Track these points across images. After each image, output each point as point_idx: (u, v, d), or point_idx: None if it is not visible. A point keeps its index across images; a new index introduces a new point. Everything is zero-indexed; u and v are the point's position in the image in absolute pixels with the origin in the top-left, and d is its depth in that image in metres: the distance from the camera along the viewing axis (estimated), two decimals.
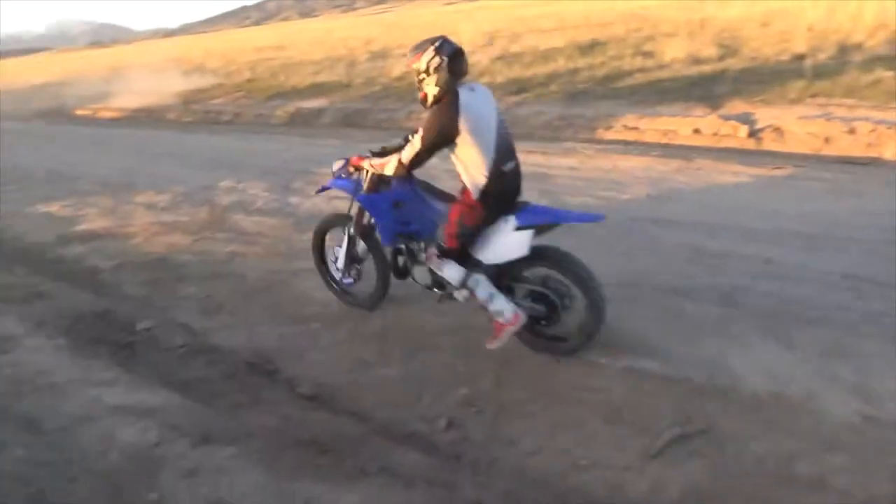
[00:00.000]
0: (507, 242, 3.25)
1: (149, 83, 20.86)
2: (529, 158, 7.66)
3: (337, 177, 3.89)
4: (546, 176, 6.90)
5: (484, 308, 3.43)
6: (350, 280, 4.29)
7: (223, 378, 3.74)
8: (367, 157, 3.68)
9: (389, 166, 3.41)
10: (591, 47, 13.95)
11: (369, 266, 4.19)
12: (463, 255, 3.42)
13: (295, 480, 2.65)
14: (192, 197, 7.49)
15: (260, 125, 13.24)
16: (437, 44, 3.12)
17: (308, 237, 4.64)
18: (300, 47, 26.93)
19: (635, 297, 4.09)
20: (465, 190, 3.32)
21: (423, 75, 3.14)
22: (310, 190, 7.26)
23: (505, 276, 3.45)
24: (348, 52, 21.77)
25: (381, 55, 19.07)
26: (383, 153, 3.63)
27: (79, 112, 18.87)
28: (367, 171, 3.67)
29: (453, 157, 3.23)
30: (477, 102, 3.16)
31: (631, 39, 14.17)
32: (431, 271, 3.60)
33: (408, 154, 3.27)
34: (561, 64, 12.42)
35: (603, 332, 3.43)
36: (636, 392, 3.21)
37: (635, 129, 8.69)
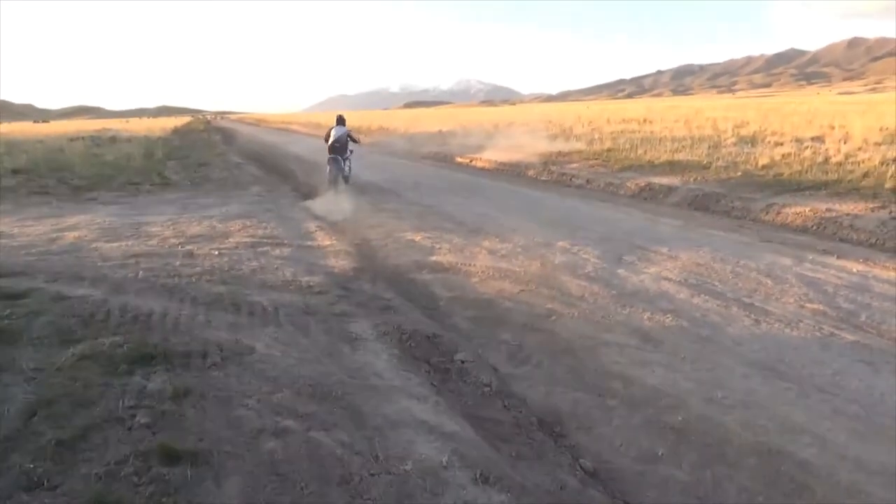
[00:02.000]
0: (329, 159, 13.24)
1: (519, 141, 23.08)
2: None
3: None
4: None
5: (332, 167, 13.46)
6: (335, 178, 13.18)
7: (513, 426, 3.93)
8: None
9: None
10: None
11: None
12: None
13: None
14: (529, 251, 8.04)
15: (608, 194, 13.59)
16: (338, 115, 14.30)
17: (628, 311, 5.56)
18: (665, 123, 26.97)
19: None
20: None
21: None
22: (640, 266, 7.22)
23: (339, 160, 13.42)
24: (715, 132, 21.08)
25: (751, 140, 18.04)
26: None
27: (458, 159, 21.75)
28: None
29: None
30: (335, 130, 13.39)
31: None
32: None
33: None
34: None
35: None
36: None
37: None
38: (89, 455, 2.95)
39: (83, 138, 32.18)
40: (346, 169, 13.50)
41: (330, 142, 13.32)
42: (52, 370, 3.81)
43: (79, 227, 9.09)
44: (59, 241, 8.11)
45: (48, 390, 3.53)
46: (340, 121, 13.71)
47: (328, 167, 13.17)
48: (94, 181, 14.69)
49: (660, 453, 3.66)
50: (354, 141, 13.77)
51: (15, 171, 15.81)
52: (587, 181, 15.05)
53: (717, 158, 14.82)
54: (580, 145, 20.31)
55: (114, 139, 31.98)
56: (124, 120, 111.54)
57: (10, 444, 3.00)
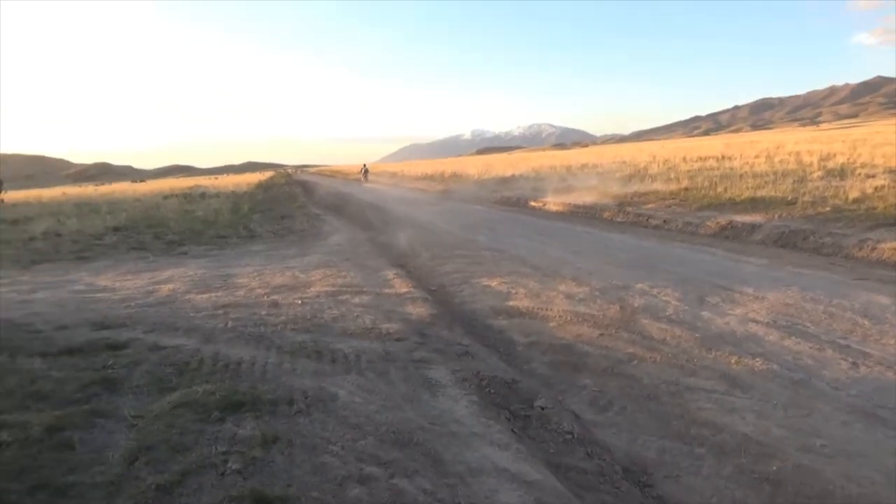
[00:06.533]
0: (362, 173, 55.86)
1: (593, 183, 22.94)
2: None
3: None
4: None
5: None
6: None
7: (597, 474, 3.83)
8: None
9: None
10: None
11: None
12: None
13: None
14: (607, 293, 7.92)
15: (687, 234, 13.26)
16: (364, 164, 61.82)
17: (714, 355, 5.49)
18: (745, 158, 26.18)
19: None
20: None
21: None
22: (725, 307, 6.97)
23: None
24: (799, 167, 20.29)
25: (839, 173, 17.24)
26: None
27: (532, 203, 21.78)
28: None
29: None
30: (364, 167, 58.58)
31: None
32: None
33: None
34: None
35: None
36: None
37: None
38: (186, 500, 3.09)
39: (176, 195, 34.26)
40: (366, 177, 51.87)
41: (362, 170, 55.93)
42: (151, 417, 4.04)
43: (172, 280, 9.63)
44: (155, 293, 8.61)
45: (148, 436, 3.74)
46: (365, 166, 58.32)
47: (361, 176, 53.96)
48: (186, 236, 15.58)
49: None
50: (367, 171, 55.06)
51: (115, 229, 16.98)
52: (664, 221, 14.74)
53: (804, 193, 14.23)
54: (656, 185, 19.94)
55: (203, 195, 33.87)
56: (213, 177, 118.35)
57: (114, 489, 3.18)
